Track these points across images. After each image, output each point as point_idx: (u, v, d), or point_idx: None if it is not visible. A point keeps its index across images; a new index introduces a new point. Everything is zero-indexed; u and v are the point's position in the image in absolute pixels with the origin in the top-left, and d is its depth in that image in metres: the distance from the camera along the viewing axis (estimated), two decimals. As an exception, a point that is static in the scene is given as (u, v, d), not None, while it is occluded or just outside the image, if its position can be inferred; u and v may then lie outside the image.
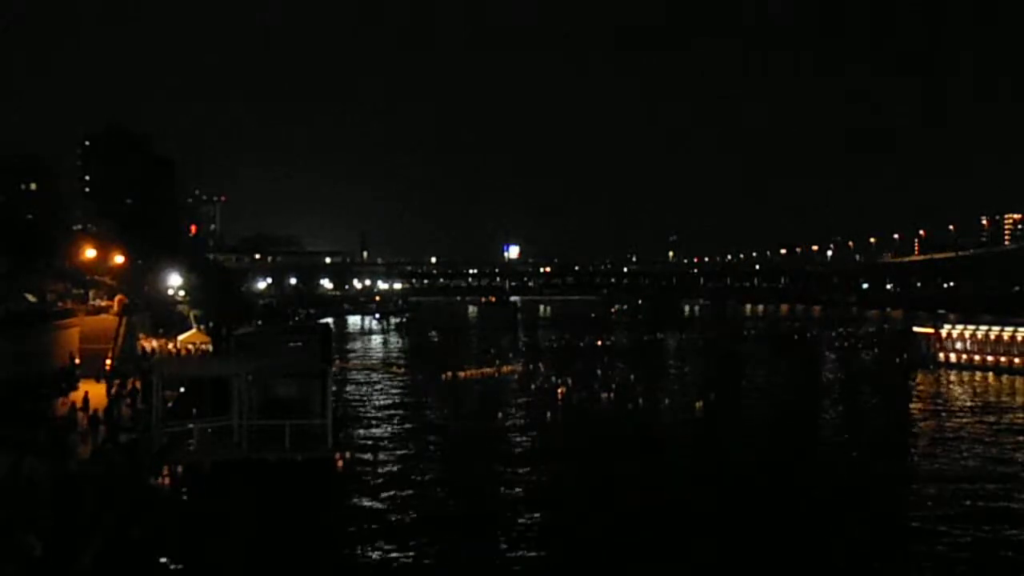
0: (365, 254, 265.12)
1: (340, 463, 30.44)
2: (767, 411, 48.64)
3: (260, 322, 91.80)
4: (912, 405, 50.96)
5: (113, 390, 36.16)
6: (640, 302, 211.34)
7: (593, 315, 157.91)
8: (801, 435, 41.45)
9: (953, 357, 63.52)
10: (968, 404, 49.71)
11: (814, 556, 23.55)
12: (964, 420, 44.07)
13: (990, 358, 61.08)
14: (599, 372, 63.00)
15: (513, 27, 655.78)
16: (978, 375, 59.77)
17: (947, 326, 67.23)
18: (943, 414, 46.22)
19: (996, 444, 37.83)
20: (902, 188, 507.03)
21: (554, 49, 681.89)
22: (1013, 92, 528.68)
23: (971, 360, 62.20)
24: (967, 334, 63.79)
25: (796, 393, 56.76)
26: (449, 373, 62.56)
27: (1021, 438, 39.05)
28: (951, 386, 56.99)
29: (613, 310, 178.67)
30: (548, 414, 46.45)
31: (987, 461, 34.38)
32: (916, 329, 71.60)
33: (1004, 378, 58.18)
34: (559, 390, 53.07)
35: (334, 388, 38.01)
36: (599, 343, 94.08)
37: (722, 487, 30.31)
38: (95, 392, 36.42)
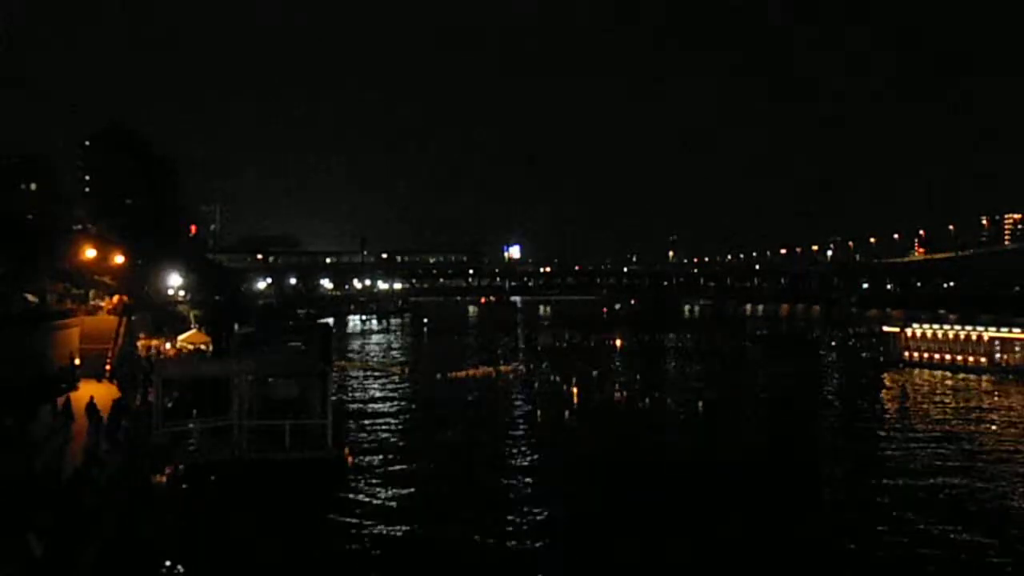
0: (365, 254, 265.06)
1: (351, 460, 30.70)
2: (762, 410, 49.20)
3: (260, 322, 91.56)
4: (884, 404, 52.13)
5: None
6: (632, 302, 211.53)
7: (592, 315, 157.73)
8: (788, 432, 42.28)
9: (917, 356, 65.73)
10: (935, 402, 50.92)
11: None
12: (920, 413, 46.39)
13: (948, 357, 63.50)
14: (601, 372, 62.94)
15: (513, 27, 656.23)
16: (938, 373, 61.83)
17: (915, 325, 68.68)
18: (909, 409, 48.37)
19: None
20: (903, 187, 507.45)
21: (554, 49, 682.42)
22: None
23: (932, 359, 64.55)
24: (929, 334, 65.91)
25: (787, 392, 57.37)
26: (450, 372, 62.55)
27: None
28: (915, 384, 58.21)
29: (606, 310, 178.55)
30: (567, 413, 46.75)
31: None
32: (886, 329, 73.67)
33: (960, 376, 60.06)
34: (574, 390, 53.13)
35: (334, 388, 38.01)
36: (605, 343, 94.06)
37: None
38: (98, 392, 36.40)
